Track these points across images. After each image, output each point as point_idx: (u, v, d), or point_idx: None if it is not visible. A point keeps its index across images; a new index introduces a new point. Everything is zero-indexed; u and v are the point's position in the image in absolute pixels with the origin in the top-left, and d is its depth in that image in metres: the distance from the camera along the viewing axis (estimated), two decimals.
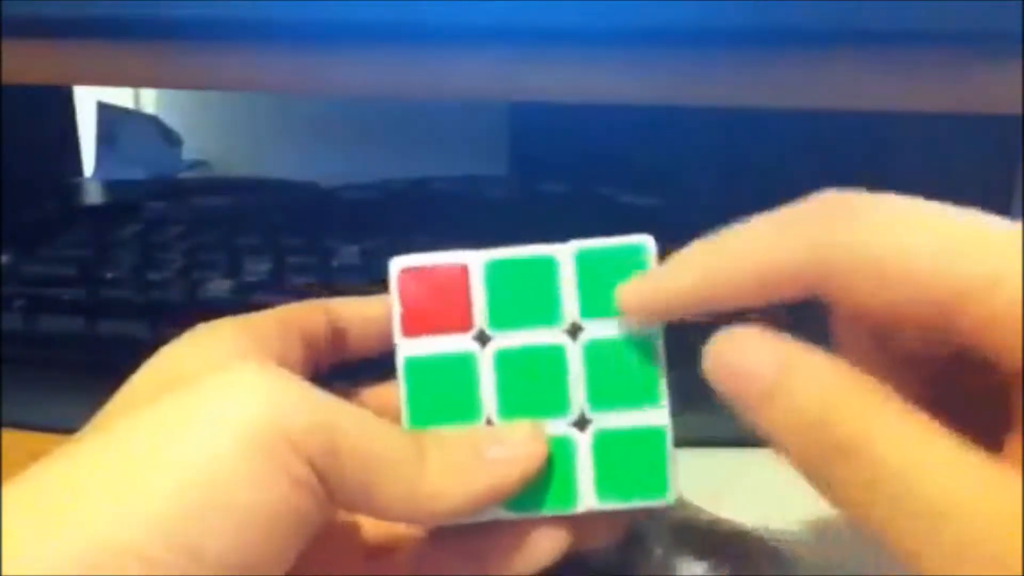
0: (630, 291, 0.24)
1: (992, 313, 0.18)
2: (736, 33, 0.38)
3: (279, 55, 0.43)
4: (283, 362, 0.25)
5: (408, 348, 0.25)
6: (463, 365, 0.24)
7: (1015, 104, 0.38)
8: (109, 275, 0.49)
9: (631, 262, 0.24)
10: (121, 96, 0.79)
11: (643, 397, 0.24)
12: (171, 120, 0.78)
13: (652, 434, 0.24)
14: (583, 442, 0.24)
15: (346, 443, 0.21)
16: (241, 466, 0.20)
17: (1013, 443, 0.19)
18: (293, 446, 0.20)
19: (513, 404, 0.24)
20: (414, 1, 0.39)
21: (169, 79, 0.50)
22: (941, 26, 0.37)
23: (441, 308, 0.24)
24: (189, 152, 0.78)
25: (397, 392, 0.25)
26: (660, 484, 0.24)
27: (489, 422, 0.25)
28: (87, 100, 0.75)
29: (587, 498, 0.24)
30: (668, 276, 0.23)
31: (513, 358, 0.24)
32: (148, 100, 0.81)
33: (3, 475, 0.21)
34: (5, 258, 0.51)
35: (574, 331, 0.25)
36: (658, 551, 0.25)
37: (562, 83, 0.42)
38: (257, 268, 0.49)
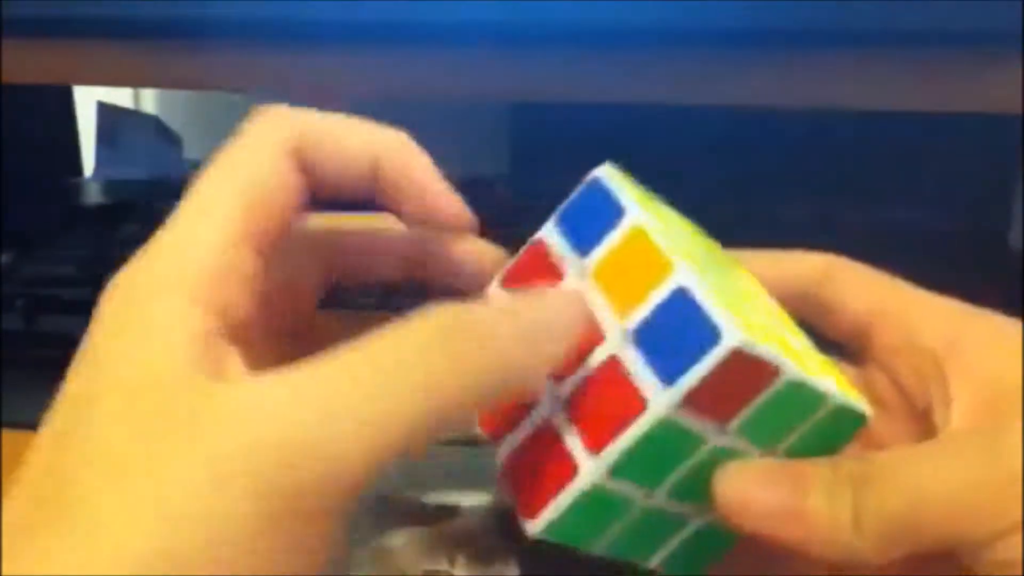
0: None
1: None
2: (736, 33, 0.38)
3: (279, 55, 0.43)
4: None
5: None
6: None
7: (1015, 104, 0.38)
8: (109, 275, 0.49)
9: (842, 422, 0.22)
10: (121, 96, 0.79)
11: None
12: (171, 120, 0.78)
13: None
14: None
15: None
16: (262, 536, 0.17)
17: None
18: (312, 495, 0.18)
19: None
20: (415, 1, 0.39)
21: (169, 79, 0.50)
22: (941, 26, 0.37)
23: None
24: (189, 152, 0.78)
25: None
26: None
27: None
28: (87, 100, 0.75)
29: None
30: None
31: None
32: (148, 100, 0.81)
33: (3, 475, 0.21)
34: (5, 258, 0.51)
35: None
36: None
37: (562, 83, 0.42)
38: None
